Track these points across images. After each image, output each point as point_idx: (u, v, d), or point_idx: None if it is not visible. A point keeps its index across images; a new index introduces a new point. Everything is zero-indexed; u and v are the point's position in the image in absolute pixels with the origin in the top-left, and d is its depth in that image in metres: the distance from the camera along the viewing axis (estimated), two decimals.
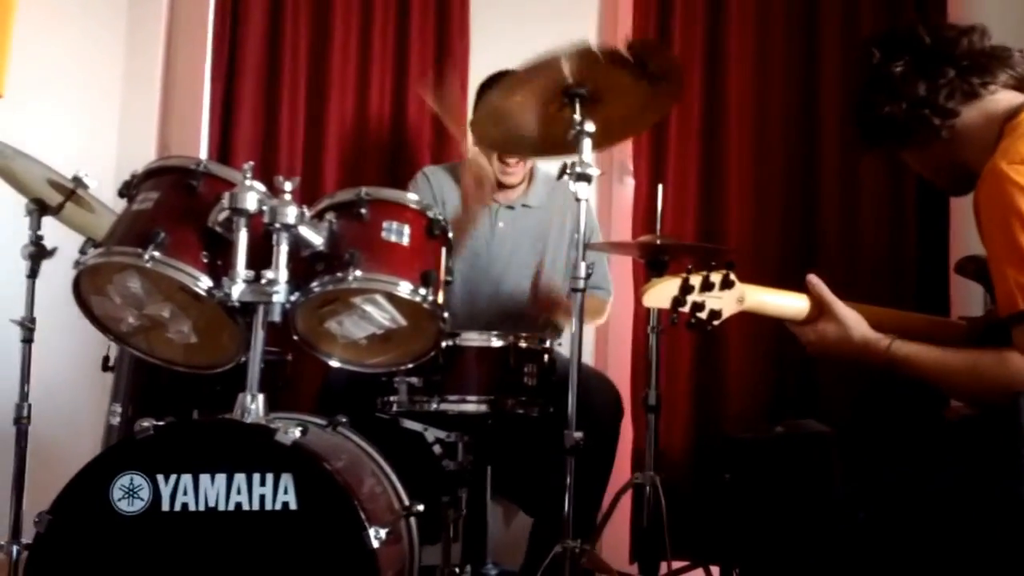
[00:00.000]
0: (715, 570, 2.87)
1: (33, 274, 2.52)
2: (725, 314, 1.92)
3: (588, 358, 3.35)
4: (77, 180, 2.50)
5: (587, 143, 2.34)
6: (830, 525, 1.82)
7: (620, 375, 3.38)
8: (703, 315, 1.90)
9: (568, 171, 2.33)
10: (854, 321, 1.91)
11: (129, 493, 1.83)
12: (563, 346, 2.84)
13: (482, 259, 3.09)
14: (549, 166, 3.09)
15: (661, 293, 1.89)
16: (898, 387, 2.07)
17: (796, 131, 3.49)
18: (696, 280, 1.88)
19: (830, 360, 1.98)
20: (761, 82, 3.53)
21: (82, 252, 2.08)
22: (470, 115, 3.11)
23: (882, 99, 1.90)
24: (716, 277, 1.90)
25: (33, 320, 2.52)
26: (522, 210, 3.16)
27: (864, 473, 1.87)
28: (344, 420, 2.26)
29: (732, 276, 1.91)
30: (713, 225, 3.47)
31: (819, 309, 1.95)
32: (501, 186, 3.13)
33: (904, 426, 2.17)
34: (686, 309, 1.89)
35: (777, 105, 3.51)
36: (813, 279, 1.95)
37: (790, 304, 1.99)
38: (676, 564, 2.74)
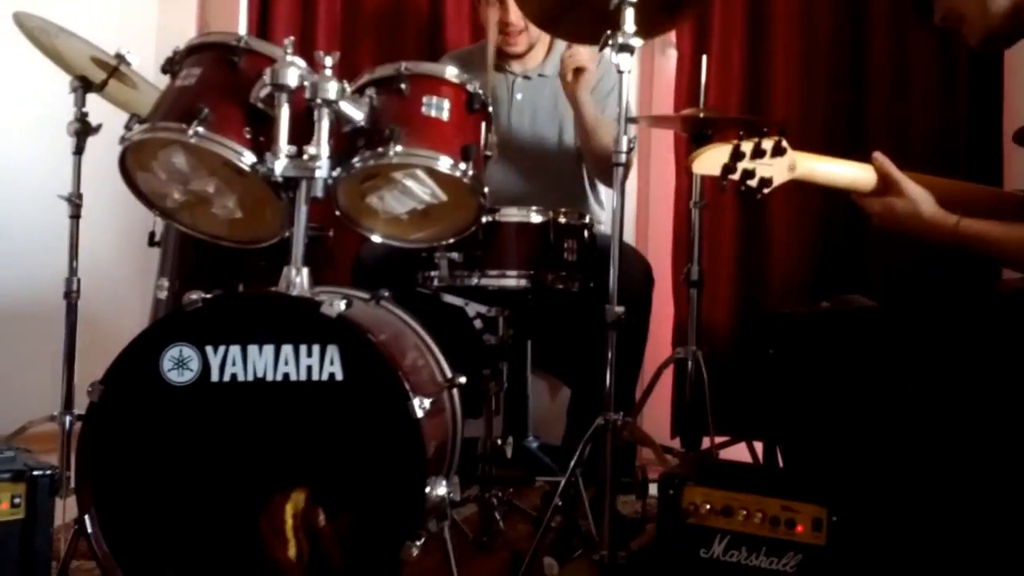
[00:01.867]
0: (758, 446, 2.91)
1: (79, 151, 2.54)
2: (776, 182, 1.88)
3: (628, 233, 3.33)
4: (120, 57, 2.50)
5: (630, 12, 2.28)
6: (877, 399, 1.82)
7: (661, 250, 3.37)
8: (753, 183, 1.86)
9: (609, 42, 2.28)
10: (923, 198, 1.88)
11: (179, 364, 1.86)
12: (604, 225, 2.84)
13: (502, 132, 3.02)
14: None
15: (711, 160, 1.86)
16: (948, 261, 2.05)
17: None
18: (747, 146, 1.84)
19: (895, 235, 1.95)
20: None
21: (127, 128, 2.09)
22: None
23: None
24: (768, 144, 1.86)
25: (80, 196, 2.55)
26: (539, 80, 3.11)
27: (913, 348, 1.87)
28: (387, 294, 2.28)
29: (784, 143, 1.87)
30: (758, 97, 3.40)
31: (885, 184, 1.92)
32: (506, 56, 3.08)
33: (954, 301, 2.16)
34: (736, 176, 1.86)
35: None
36: (879, 156, 1.92)
37: (843, 173, 1.95)
38: (718, 439, 2.77)
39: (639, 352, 2.81)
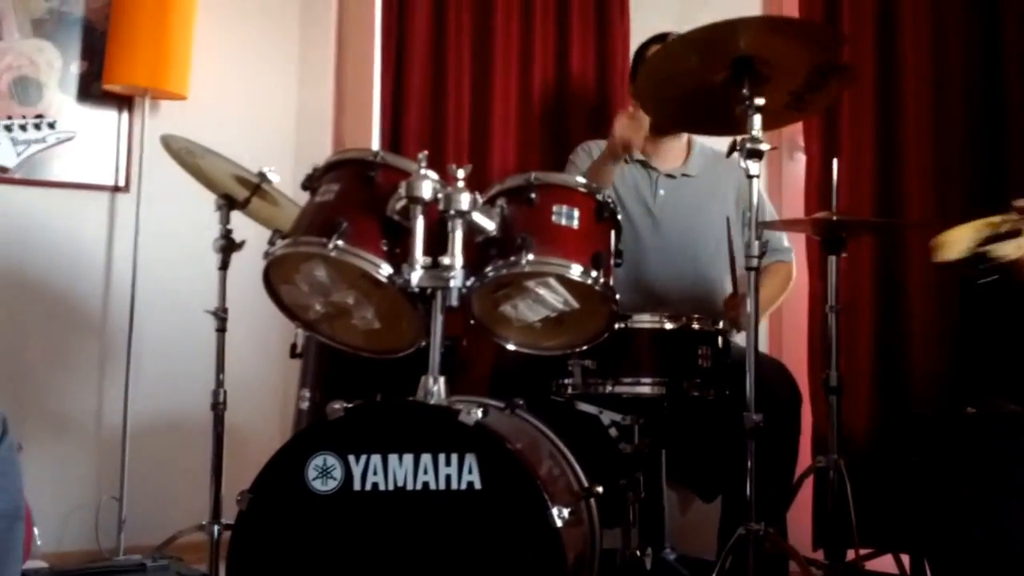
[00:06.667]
0: (905, 558, 2.78)
1: (224, 266, 2.66)
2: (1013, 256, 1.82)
3: (763, 339, 3.28)
4: (262, 175, 2.61)
5: (757, 119, 2.30)
6: None
7: (796, 356, 3.30)
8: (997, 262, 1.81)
9: (738, 148, 2.30)
10: None
11: (323, 473, 1.89)
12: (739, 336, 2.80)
13: (647, 230, 3.05)
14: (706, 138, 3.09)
15: (957, 244, 1.81)
16: None
17: (978, 96, 3.31)
18: (988, 229, 1.80)
19: None
20: (939, 49, 3.37)
21: (270, 243, 2.16)
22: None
23: None
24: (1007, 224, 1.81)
25: (226, 310, 2.65)
26: (683, 179, 3.12)
27: None
28: (521, 403, 2.28)
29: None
30: (891, 199, 3.34)
31: None
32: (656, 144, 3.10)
33: None
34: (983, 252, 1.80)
35: (956, 70, 3.34)
36: None
37: None
38: (863, 551, 2.66)
39: (786, 464, 2.72)
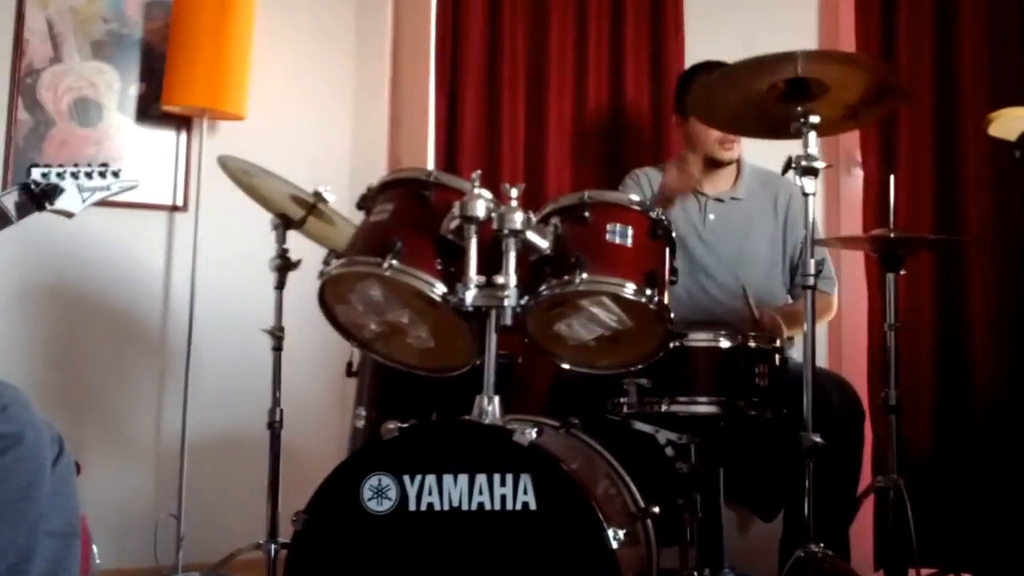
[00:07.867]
0: None
1: (280, 285, 2.67)
2: None
3: (821, 358, 3.23)
4: (317, 195, 2.63)
5: (812, 136, 2.28)
6: None
7: (856, 375, 3.25)
8: None
9: (793, 165, 2.28)
10: None
11: (378, 493, 1.90)
12: (794, 347, 2.77)
13: (696, 252, 3.04)
14: (756, 159, 3.08)
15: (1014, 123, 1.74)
16: None
17: None
18: None
19: None
20: (997, 63, 3.32)
21: (325, 263, 2.18)
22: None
23: None
24: None
25: (282, 329, 2.67)
26: (731, 203, 3.10)
27: None
28: (577, 422, 2.28)
29: None
30: (951, 215, 3.29)
31: None
32: (715, 165, 3.08)
33: None
34: None
35: (1015, 84, 3.28)
36: None
37: None
38: (924, 571, 2.62)
39: (847, 484, 2.68)
